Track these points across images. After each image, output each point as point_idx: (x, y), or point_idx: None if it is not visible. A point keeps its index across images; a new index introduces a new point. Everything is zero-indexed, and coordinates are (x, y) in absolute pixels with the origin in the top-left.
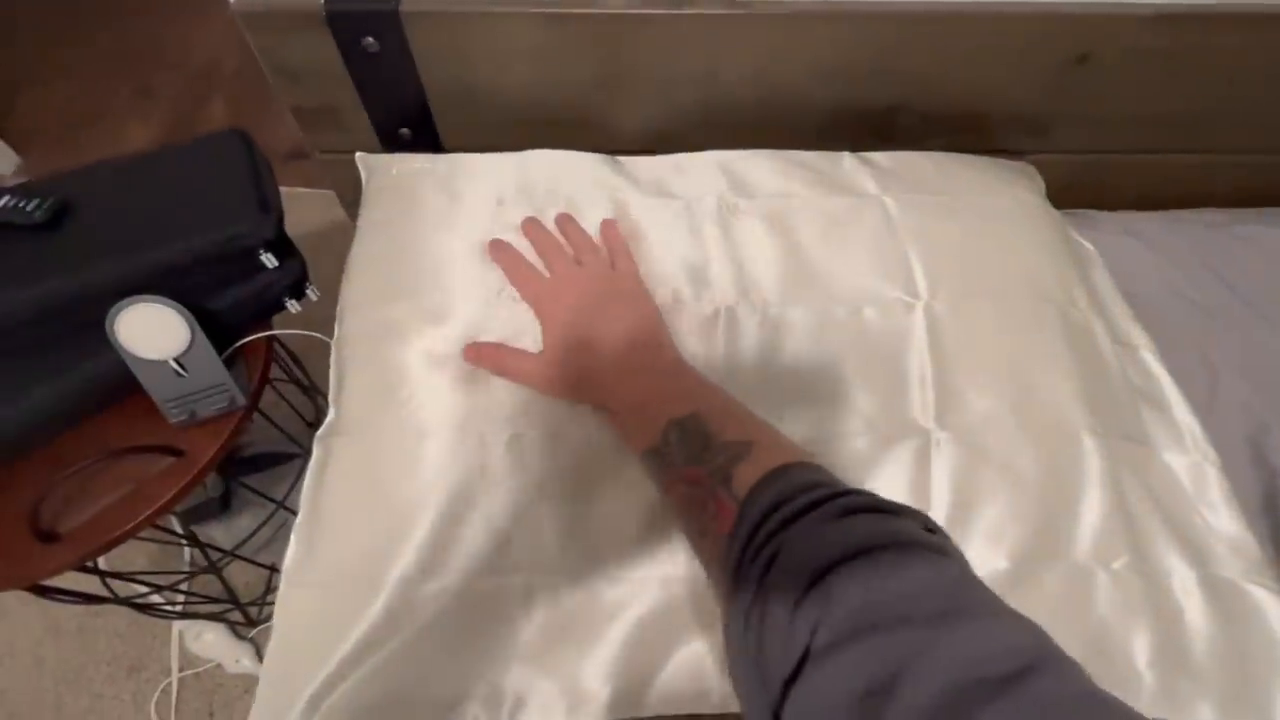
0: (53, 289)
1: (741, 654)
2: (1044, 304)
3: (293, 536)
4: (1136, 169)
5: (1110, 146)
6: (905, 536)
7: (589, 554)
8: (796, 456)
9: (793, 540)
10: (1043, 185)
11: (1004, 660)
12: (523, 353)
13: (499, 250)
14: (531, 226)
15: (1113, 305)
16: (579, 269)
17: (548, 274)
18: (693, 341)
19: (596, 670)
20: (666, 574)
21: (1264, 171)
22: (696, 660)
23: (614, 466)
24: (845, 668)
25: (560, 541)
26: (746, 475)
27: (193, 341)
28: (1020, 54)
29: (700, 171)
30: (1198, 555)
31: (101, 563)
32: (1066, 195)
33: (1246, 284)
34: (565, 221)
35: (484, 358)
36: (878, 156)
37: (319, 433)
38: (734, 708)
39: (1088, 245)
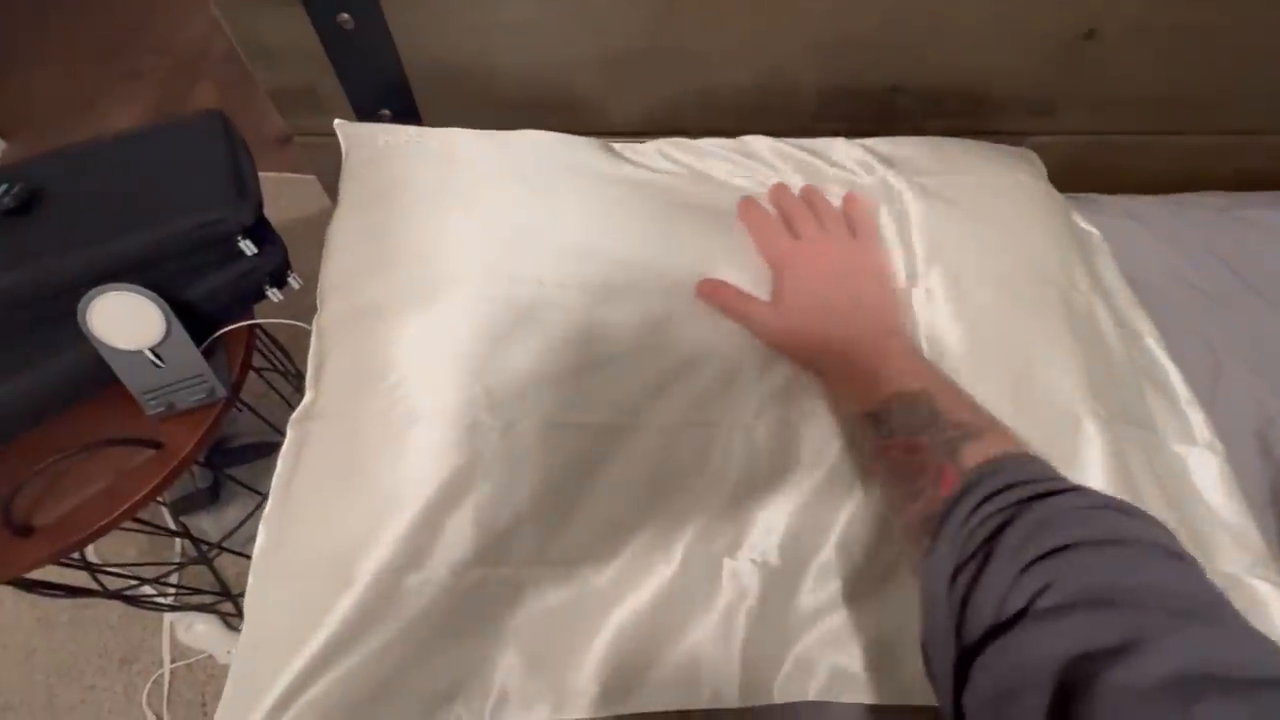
0: (22, 278)
1: (939, 602)
2: (1046, 287)
3: (261, 526)
4: (1143, 151)
5: (1116, 127)
6: (1150, 537)
7: (580, 548)
8: (1027, 450)
9: (1033, 513)
10: (1044, 170)
11: (1246, 668)
12: (755, 298)
13: (748, 207)
14: (780, 191)
15: (1117, 291)
16: (825, 235)
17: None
18: (692, 332)
19: (585, 666)
20: (659, 570)
21: (1274, 153)
22: (688, 656)
23: (609, 461)
24: (1068, 628)
25: (551, 535)
26: (976, 452)
27: (168, 331)
28: (1024, 29)
29: (695, 158)
30: (1202, 547)
31: (90, 555)
32: (1070, 178)
33: (1253, 270)
34: (811, 191)
35: (718, 295)
36: (874, 141)
37: (294, 416)
38: (724, 704)
39: (1093, 230)
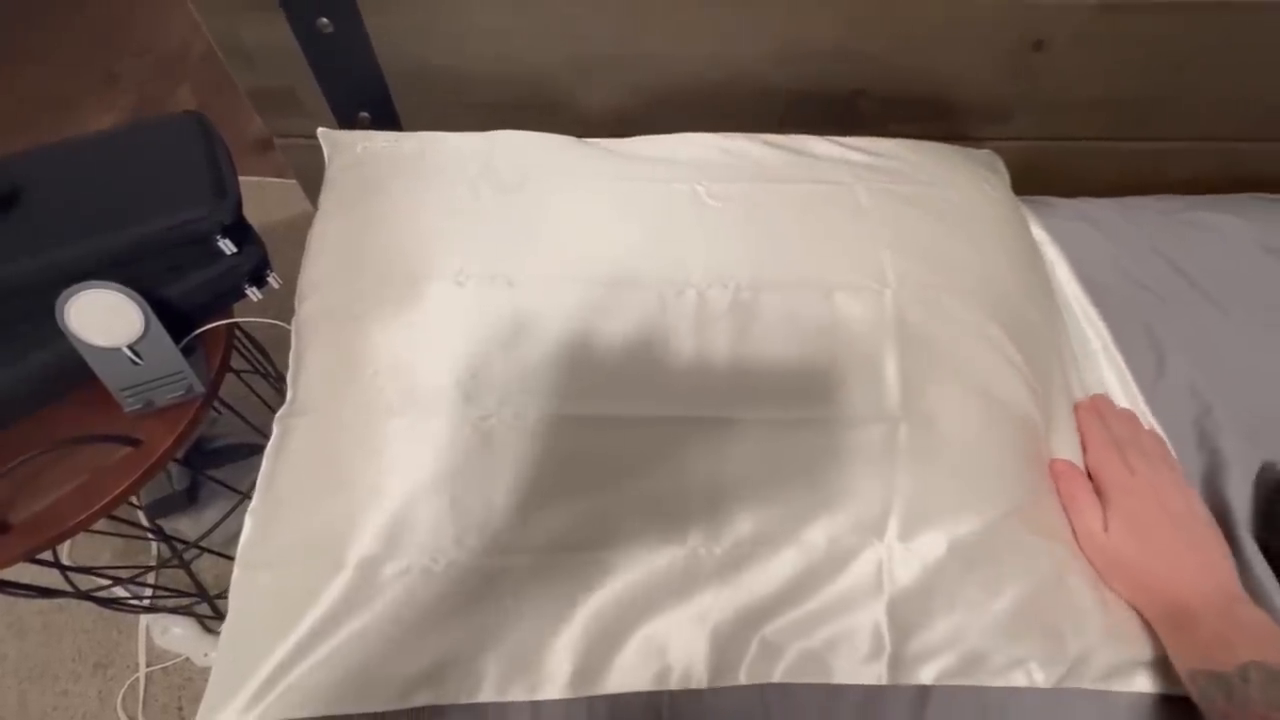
0: (1, 274)
1: None
2: (1007, 300)
3: (247, 518)
4: (1093, 155)
5: (1067, 133)
6: None
7: (555, 537)
8: None
9: None
10: (1007, 175)
11: None
12: (1095, 507)
13: (1087, 417)
14: (1106, 405)
15: (1069, 295)
16: (1157, 474)
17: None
18: (665, 325)
19: (559, 650)
20: (632, 557)
21: (1212, 158)
22: (657, 640)
23: (583, 451)
24: None
25: (526, 524)
26: None
27: (147, 328)
28: (978, 39)
29: (673, 156)
30: None
31: (63, 557)
32: (1026, 181)
33: (1195, 268)
34: (1131, 417)
35: (1066, 481)
36: (851, 141)
37: (278, 414)
38: (693, 685)
39: (1046, 236)
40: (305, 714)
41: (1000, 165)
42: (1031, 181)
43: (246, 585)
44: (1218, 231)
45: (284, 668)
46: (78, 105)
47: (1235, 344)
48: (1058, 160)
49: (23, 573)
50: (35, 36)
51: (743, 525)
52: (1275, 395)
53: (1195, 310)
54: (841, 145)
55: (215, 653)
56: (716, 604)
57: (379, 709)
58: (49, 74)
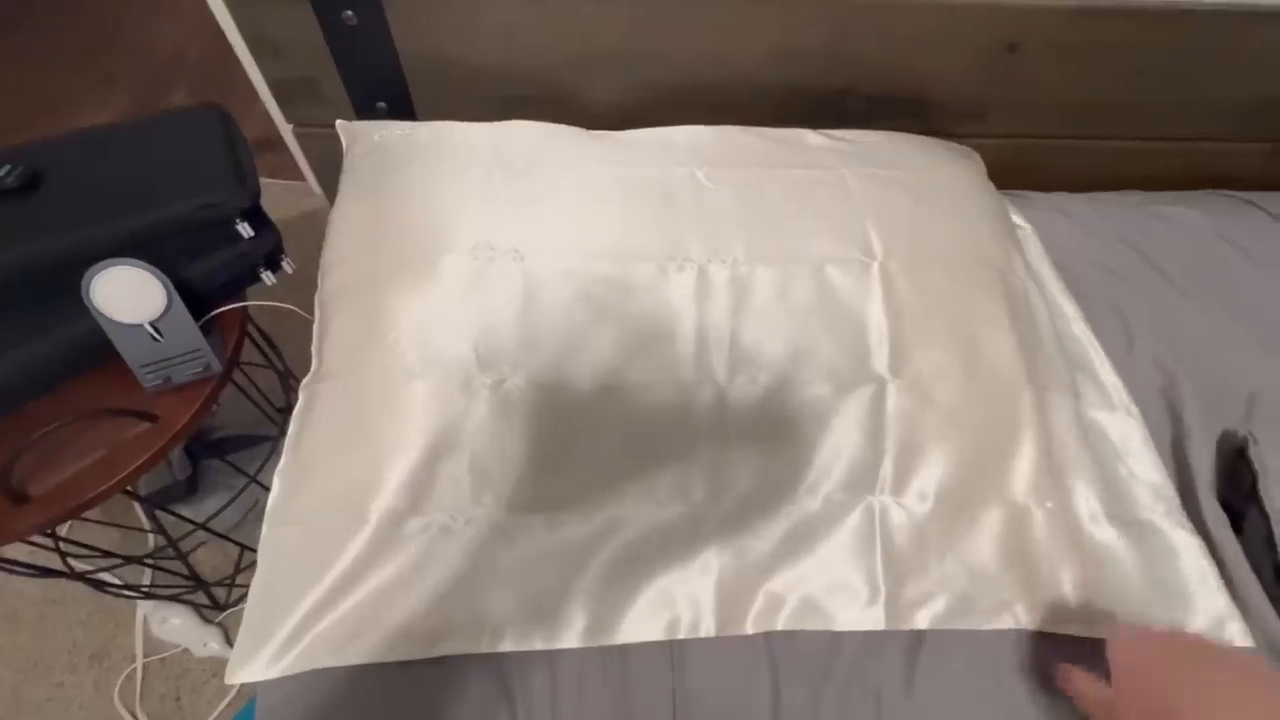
0: (26, 253)
1: None
2: (987, 269)
3: (275, 478)
4: (1064, 153)
5: (1039, 131)
6: None
7: (565, 494)
8: None
9: None
10: (983, 166)
11: None
12: (1103, 689)
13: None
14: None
15: (1046, 277)
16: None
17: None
18: (667, 297)
19: (574, 602)
20: (637, 514)
21: (1175, 158)
22: (666, 593)
23: (593, 414)
24: None
25: (538, 482)
26: None
27: (169, 306)
28: (957, 42)
29: (673, 144)
30: (1121, 499)
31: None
32: (1002, 177)
33: (1158, 255)
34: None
35: (1070, 680)
36: (839, 133)
37: (304, 381)
38: (701, 634)
39: (1024, 224)
40: (332, 663)
41: (976, 157)
42: (1006, 177)
43: (274, 542)
44: (1180, 223)
45: (311, 619)
46: (73, 106)
47: (1197, 323)
48: (1031, 157)
49: (20, 553)
50: (30, 38)
51: (743, 483)
52: (1231, 368)
53: (1157, 290)
54: (830, 136)
55: (214, 643)
56: (721, 558)
57: (404, 658)
58: (44, 75)
